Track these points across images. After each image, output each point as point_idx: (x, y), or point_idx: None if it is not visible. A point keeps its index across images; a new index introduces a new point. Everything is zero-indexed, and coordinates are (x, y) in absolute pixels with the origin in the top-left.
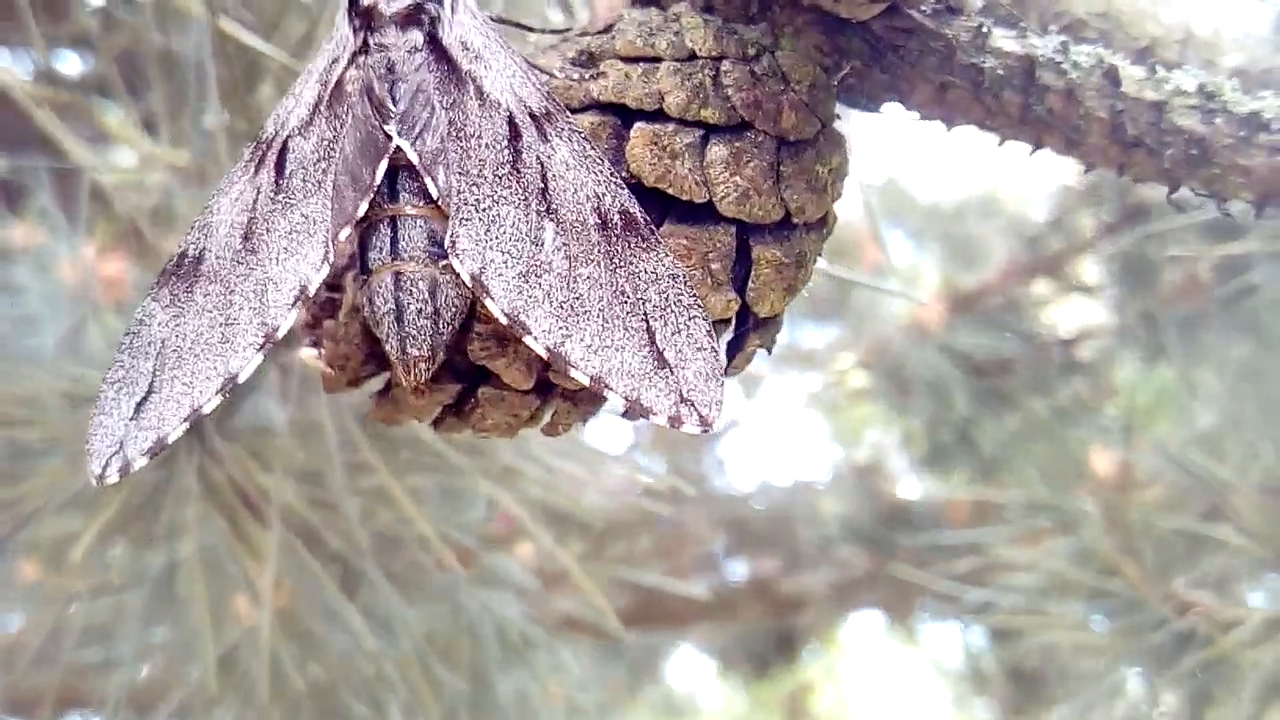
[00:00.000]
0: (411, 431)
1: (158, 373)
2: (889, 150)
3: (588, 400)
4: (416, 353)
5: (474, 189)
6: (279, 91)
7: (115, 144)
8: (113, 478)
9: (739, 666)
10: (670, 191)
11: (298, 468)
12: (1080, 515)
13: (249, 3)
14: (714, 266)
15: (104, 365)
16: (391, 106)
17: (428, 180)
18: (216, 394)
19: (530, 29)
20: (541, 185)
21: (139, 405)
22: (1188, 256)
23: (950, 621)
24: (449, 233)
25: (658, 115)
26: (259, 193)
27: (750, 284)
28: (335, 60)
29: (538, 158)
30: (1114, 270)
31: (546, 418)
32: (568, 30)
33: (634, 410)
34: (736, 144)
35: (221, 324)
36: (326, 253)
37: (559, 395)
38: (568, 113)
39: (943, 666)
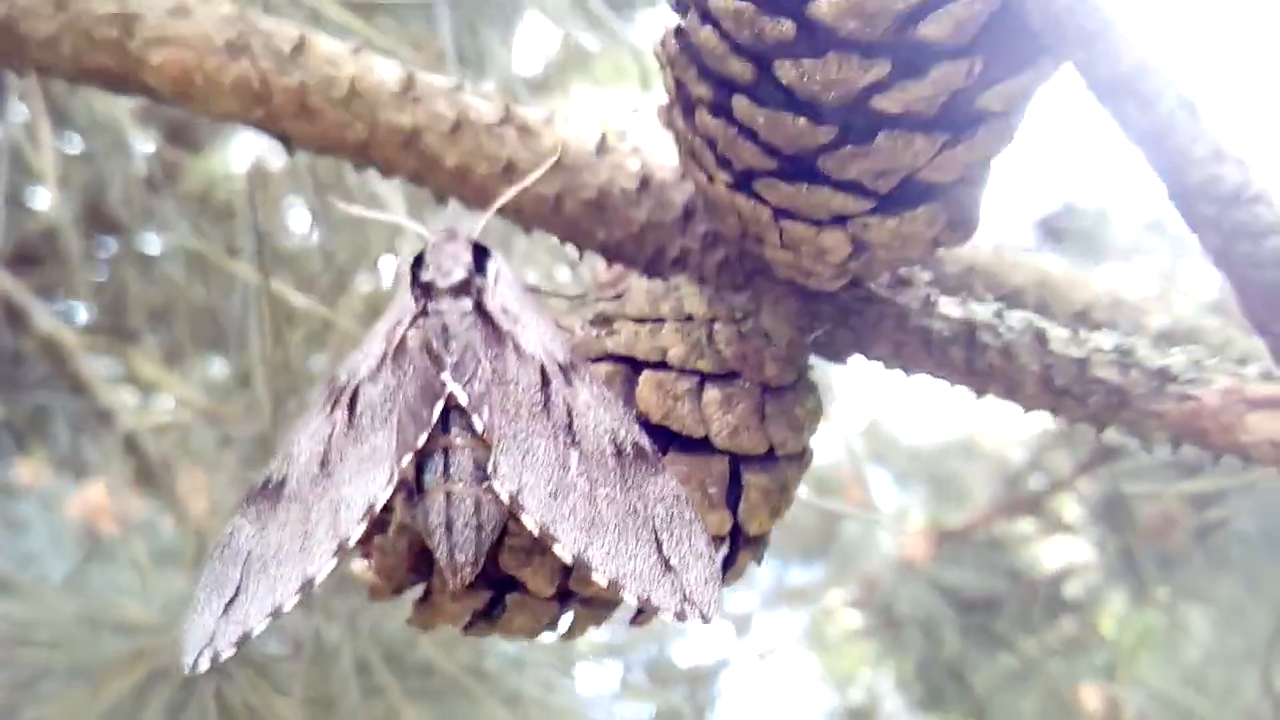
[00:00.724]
0: (425, 658)
1: (244, 578)
2: (873, 396)
3: (601, 607)
4: (463, 558)
5: (512, 425)
6: (309, 338)
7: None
8: (204, 667)
9: None
10: (673, 428)
11: (311, 693)
12: None
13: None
14: (711, 490)
15: (113, 593)
16: (446, 358)
17: (474, 418)
18: (296, 593)
19: (555, 295)
20: (567, 421)
21: (228, 605)
22: (1160, 494)
23: None
24: (491, 460)
25: (662, 365)
26: (334, 428)
27: (741, 505)
28: (399, 322)
29: (564, 399)
30: (1093, 508)
31: (565, 624)
32: (583, 295)
33: (645, 607)
34: (728, 389)
35: (301, 536)
36: (391, 475)
37: (577, 602)
38: (588, 363)
39: None
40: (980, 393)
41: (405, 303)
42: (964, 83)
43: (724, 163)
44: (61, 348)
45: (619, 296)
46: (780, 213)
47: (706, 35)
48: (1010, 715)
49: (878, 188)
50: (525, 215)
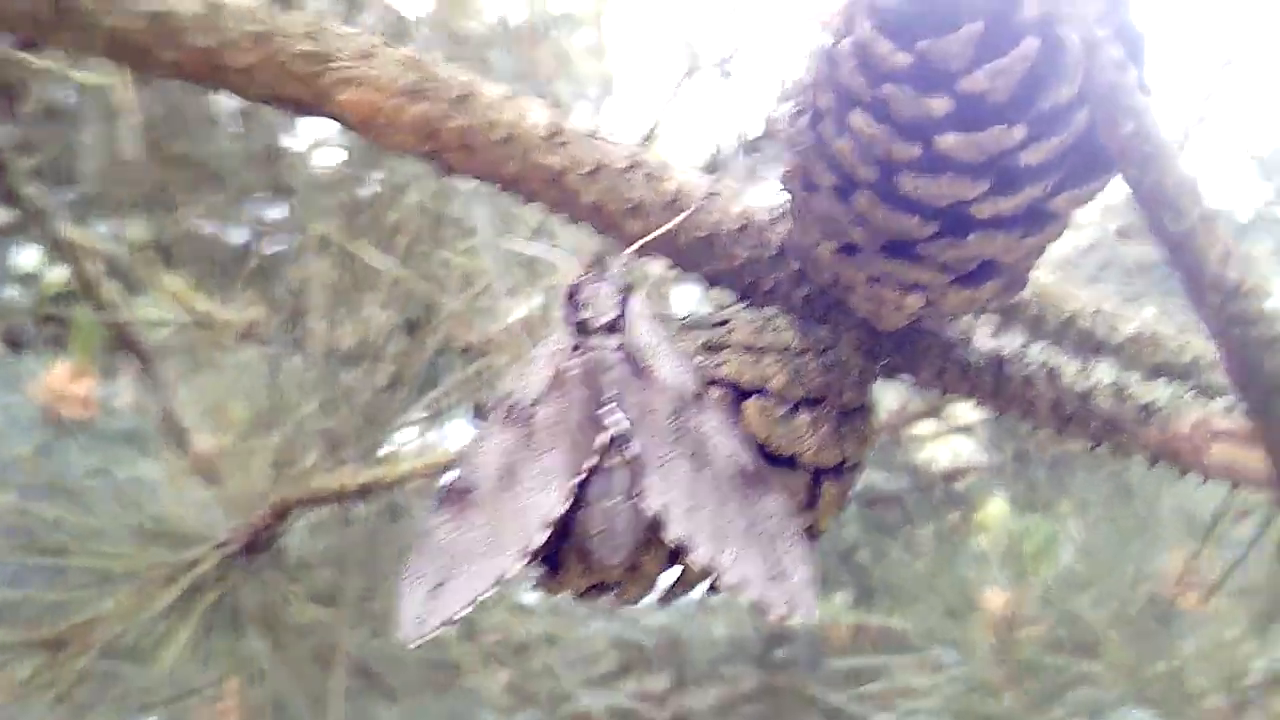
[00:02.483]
0: None
1: (446, 570)
2: None
3: (689, 583)
4: (616, 561)
5: (656, 450)
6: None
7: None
8: (418, 640)
9: None
10: (770, 447)
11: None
12: (973, 646)
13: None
14: (798, 499)
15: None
16: (604, 391)
17: (629, 444)
18: (492, 586)
19: (668, 317)
20: (698, 446)
21: (432, 592)
22: None
23: None
24: (641, 480)
25: (762, 392)
26: (509, 445)
27: (817, 507)
28: (558, 350)
29: (695, 427)
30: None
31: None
32: (688, 317)
33: (759, 607)
34: (814, 413)
35: (491, 538)
36: (567, 494)
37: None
38: (710, 391)
39: None
40: (1001, 412)
41: (561, 333)
42: (1043, 195)
43: (832, 234)
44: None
45: (724, 323)
46: (873, 279)
47: (842, 144)
48: (904, 605)
49: (960, 268)
50: (646, 245)
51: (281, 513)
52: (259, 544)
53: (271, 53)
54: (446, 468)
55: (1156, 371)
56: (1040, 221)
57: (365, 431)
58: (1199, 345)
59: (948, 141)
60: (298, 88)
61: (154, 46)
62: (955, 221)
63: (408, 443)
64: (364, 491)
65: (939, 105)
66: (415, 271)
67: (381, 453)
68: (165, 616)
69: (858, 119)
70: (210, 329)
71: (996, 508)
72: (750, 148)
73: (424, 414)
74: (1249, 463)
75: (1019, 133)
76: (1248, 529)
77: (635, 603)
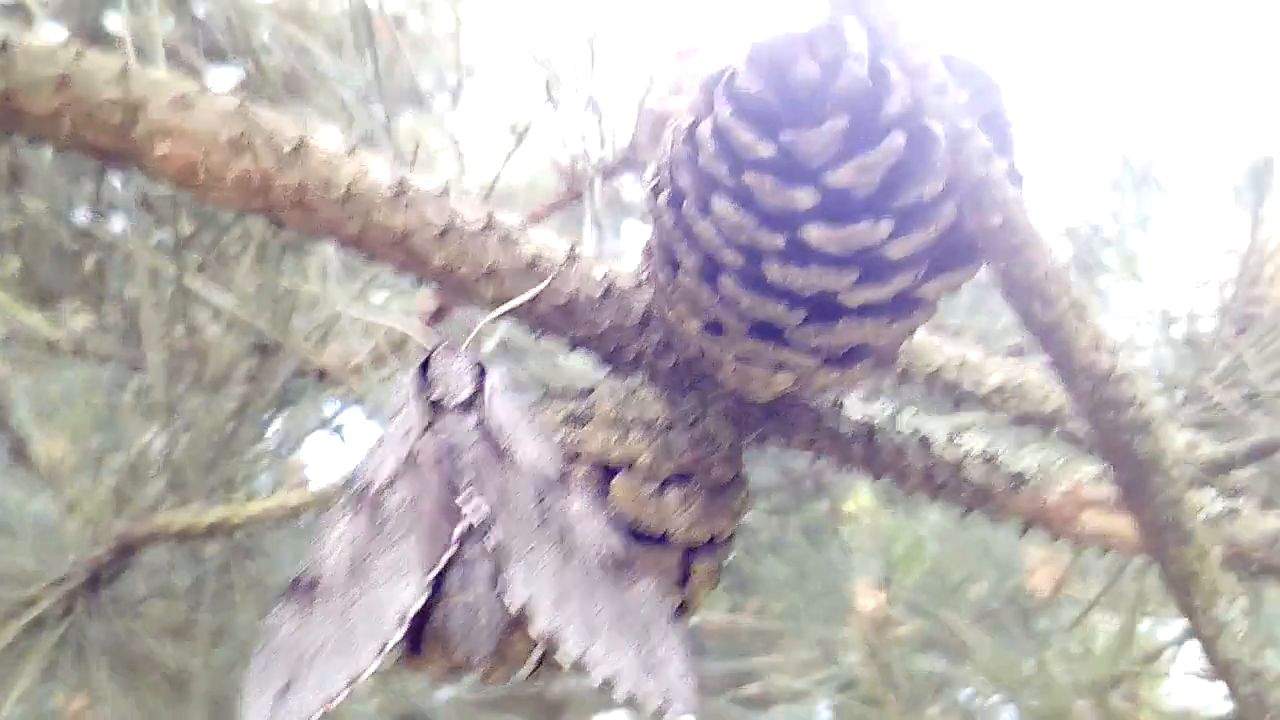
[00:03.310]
0: None
1: (295, 670)
2: None
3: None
4: (478, 658)
5: (518, 539)
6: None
7: None
8: None
9: None
10: (639, 527)
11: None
12: (844, 646)
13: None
14: (668, 579)
15: None
16: (459, 480)
17: (488, 534)
18: (346, 688)
19: (526, 391)
20: (562, 533)
21: (280, 693)
22: None
23: None
24: (502, 575)
25: (631, 469)
26: (358, 534)
27: (688, 585)
28: (408, 432)
29: (559, 511)
30: None
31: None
32: (547, 390)
33: (632, 702)
34: (683, 490)
35: (344, 633)
36: (421, 588)
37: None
38: (574, 473)
39: None
40: (876, 478)
41: (411, 412)
42: (912, 284)
43: (698, 312)
44: None
45: (585, 394)
46: (741, 358)
47: (705, 227)
48: (775, 603)
49: (829, 352)
50: (494, 312)
51: (125, 549)
52: (101, 580)
53: (74, 99)
54: (296, 511)
55: (1021, 420)
56: (909, 308)
57: (213, 462)
58: (1061, 396)
59: (813, 234)
60: (106, 138)
61: None
62: (823, 308)
63: (258, 473)
64: (211, 531)
65: (804, 198)
66: (256, 302)
67: (230, 485)
68: (7, 655)
69: (720, 204)
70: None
71: (863, 499)
72: (610, 172)
73: (274, 443)
74: (1118, 529)
75: (885, 227)
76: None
77: (503, 683)
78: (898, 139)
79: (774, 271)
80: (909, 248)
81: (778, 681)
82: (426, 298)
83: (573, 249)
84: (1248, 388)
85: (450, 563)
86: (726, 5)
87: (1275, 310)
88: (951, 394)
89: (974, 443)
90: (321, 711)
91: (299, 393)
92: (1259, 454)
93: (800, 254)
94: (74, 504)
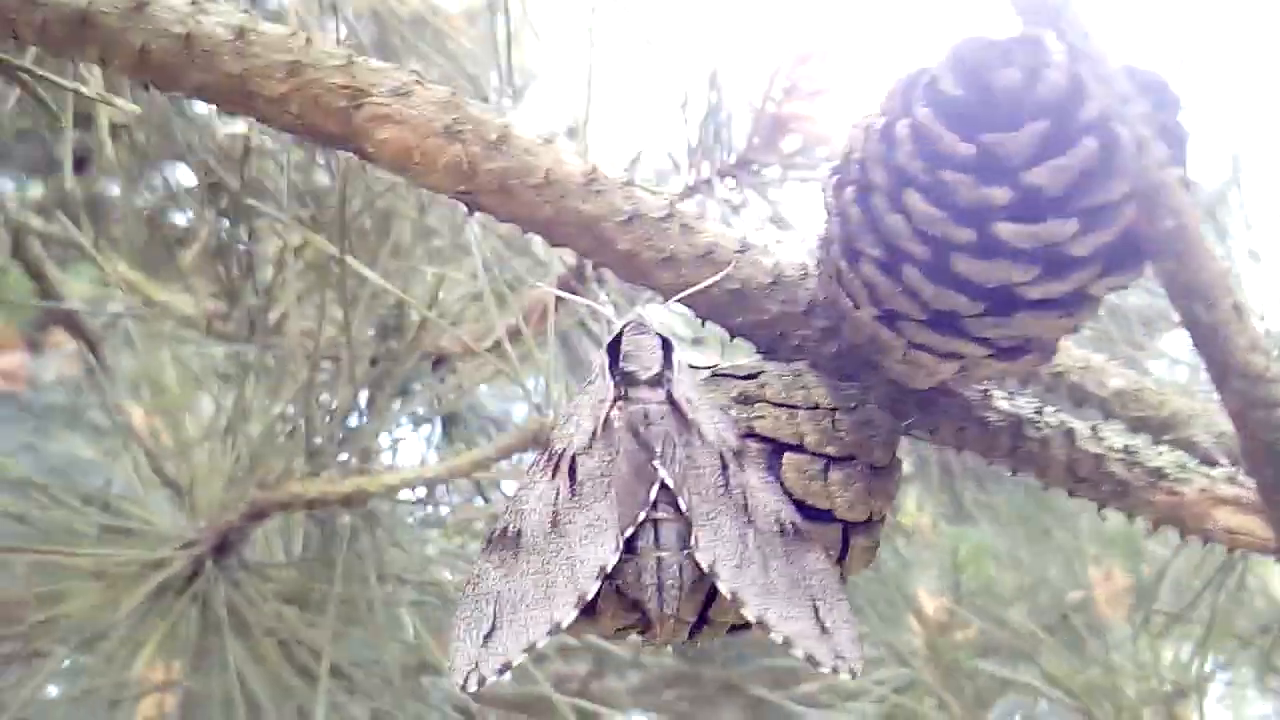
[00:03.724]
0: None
1: (498, 615)
2: None
3: (722, 630)
4: (669, 612)
5: (704, 504)
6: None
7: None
8: (473, 687)
9: None
10: (806, 503)
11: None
12: (909, 650)
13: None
14: (830, 553)
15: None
16: (654, 445)
17: (679, 499)
18: (546, 634)
19: (696, 367)
20: (743, 502)
21: (487, 637)
22: None
23: None
24: (692, 536)
25: (799, 448)
26: (558, 493)
27: (846, 560)
28: (602, 400)
29: (739, 482)
30: None
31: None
32: (714, 367)
33: (808, 661)
34: (846, 470)
35: (544, 585)
36: (618, 545)
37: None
38: (752, 449)
39: None
40: (1016, 471)
41: (604, 384)
42: (1087, 281)
43: (876, 301)
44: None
45: (753, 377)
46: (913, 345)
47: (895, 220)
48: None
49: (1001, 343)
50: (681, 294)
51: (256, 515)
52: (228, 545)
53: (303, 84)
54: (428, 484)
55: (1137, 425)
56: (1080, 303)
57: (342, 438)
58: (1177, 402)
59: (1005, 230)
60: (331, 122)
61: (182, 68)
62: (1002, 301)
63: (383, 450)
64: (345, 501)
65: (1000, 196)
66: (393, 280)
67: (362, 456)
68: (136, 617)
69: (913, 200)
70: (167, 319)
71: (914, 509)
72: (726, 172)
73: (400, 423)
74: (1250, 527)
75: (1072, 226)
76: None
77: (665, 645)
78: (1091, 145)
79: (961, 264)
80: (1090, 246)
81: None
82: (538, 290)
83: (745, 239)
84: None
85: (642, 524)
86: (841, 10)
87: None
88: (1074, 395)
89: (1114, 438)
90: (523, 656)
91: (418, 376)
92: None
93: (987, 248)
94: (208, 469)
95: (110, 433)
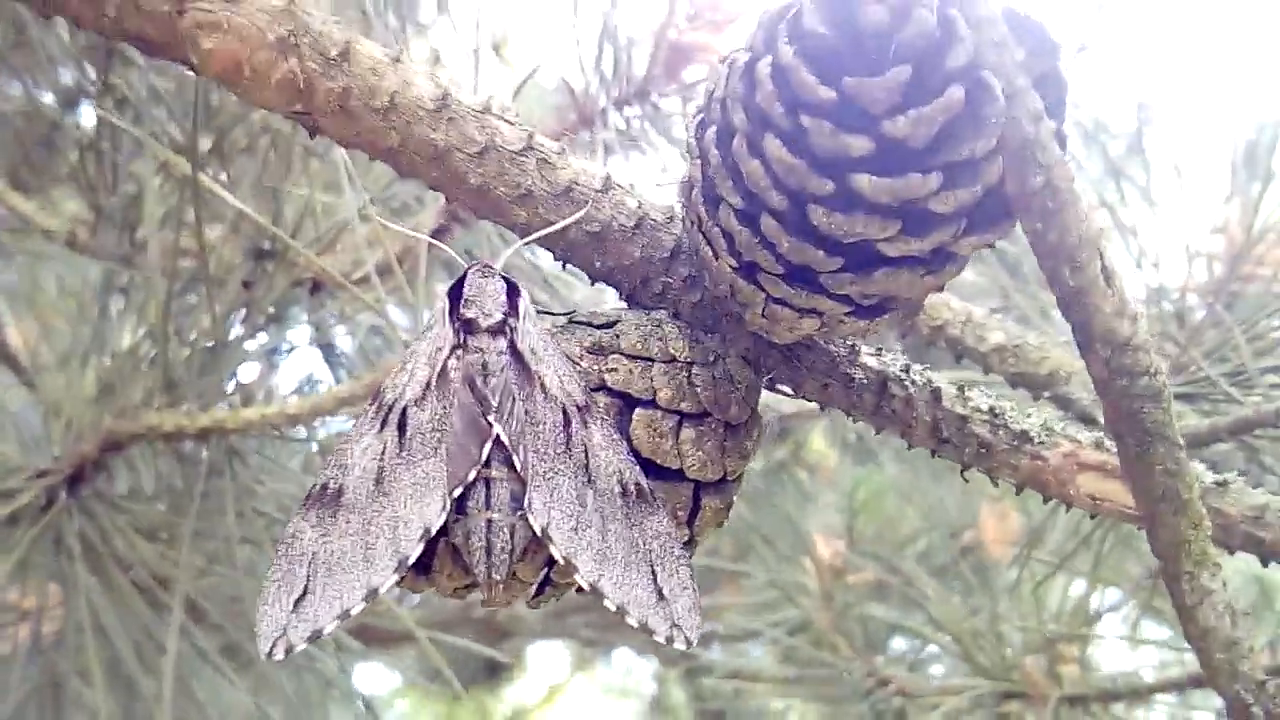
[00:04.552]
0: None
1: (311, 578)
2: None
3: (565, 589)
4: (498, 576)
5: (541, 463)
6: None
7: None
8: (279, 655)
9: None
10: (656, 461)
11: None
12: (801, 590)
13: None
14: (678, 513)
15: None
16: (490, 399)
17: (513, 456)
18: (362, 601)
19: (547, 313)
20: (584, 461)
21: (297, 602)
22: None
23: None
24: (526, 495)
25: (651, 404)
26: (385, 447)
27: (697, 522)
28: (439, 349)
29: (582, 440)
30: None
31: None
32: (571, 313)
33: (642, 630)
34: (700, 428)
35: (363, 547)
36: (444, 505)
37: (550, 585)
38: (597, 403)
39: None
40: (879, 430)
41: (443, 331)
42: (951, 239)
43: (735, 253)
44: None
45: (610, 325)
46: (772, 299)
47: (754, 167)
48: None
49: (861, 300)
50: (532, 236)
51: (111, 446)
52: (84, 476)
53: None
54: (291, 422)
55: (1017, 380)
56: (944, 261)
57: (205, 365)
58: (1057, 358)
59: (863, 183)
60: (150, 27)
61: None
62: (861, 257)
63: (248, 381)
64: (204, 434)
65: (858, 145)
66: (261, 204)
67: (220, 390)
68: None
69: (772, 145)
70: (28, 231)
71: (819, 444)
72: (622, 102)
73: (266, 352)
74: (1111, 493)
75: (934, 181)
76: None
77: (506, 606)
78: (956, 94)
79: (819, 216)
80: (954, 203)
81: (729, 620)
82: (430, 216)
83: (608, 178)
84: (1233, 363)
85: (473, 482)
86: None
87: (1263, 289)
88: (954, 349)
89: (981, 400)
90: (335, 624)
91: (292, 302)
92: (1243, 428)
93: (847, 202)
94: (60, 398)
95: None
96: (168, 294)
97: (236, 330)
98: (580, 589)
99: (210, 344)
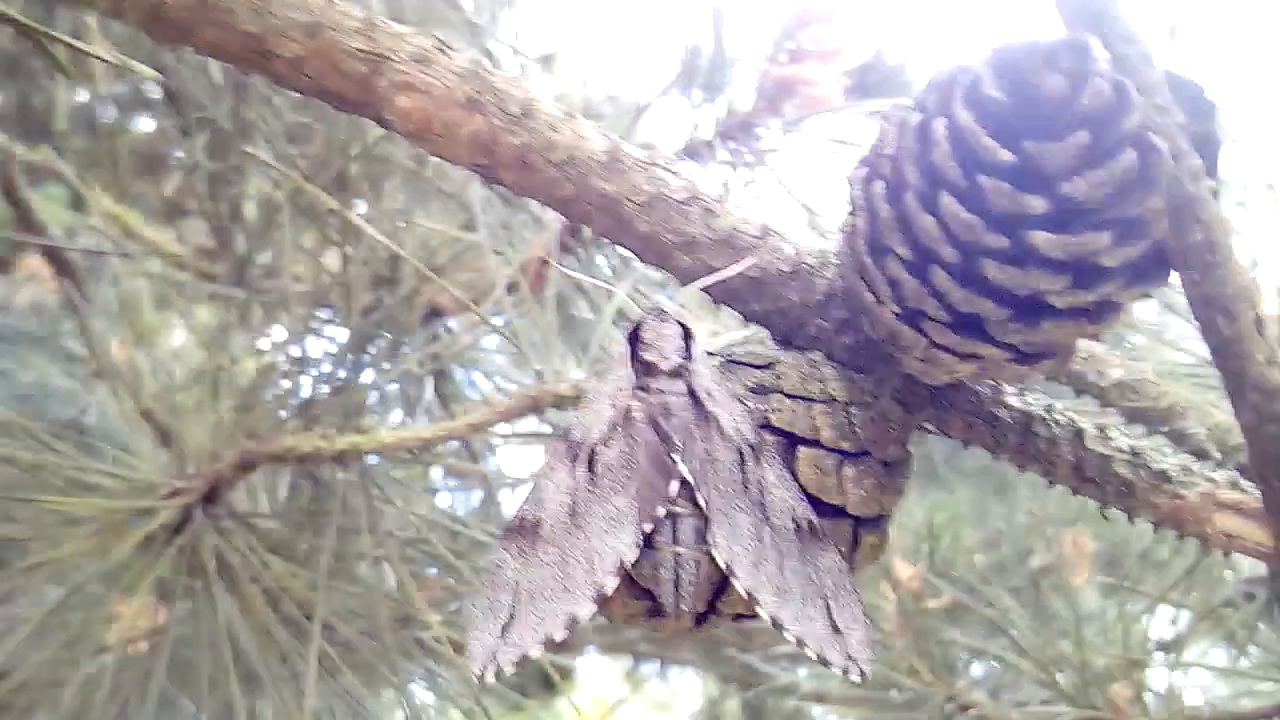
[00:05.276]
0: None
1: (515, 606)
2: None
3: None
4: (686, 608)
5: (721, 500)
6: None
7: None
8: (490, 679)
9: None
10: (820, 498)
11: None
12: (879, 612)
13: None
14: (840, 549)
15: None
16: (674, 438)
17: (697, 494)
18: (564, 629)
19: (710, 353)
20: (760, 499)
21: (504, 627)
22: None
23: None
24: (710, 532)
25: (815, 443)
26: (577, 483)
27: (855, 556)
28: (621, 389)
29: (757, 478)
30: None
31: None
32: (729, 352)
33: (818, 660)
34: (859, 466)
35: (562, 577)
36: (636, 539)
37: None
38: (768, 443)
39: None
40: (1022, 469)
41: (624, 373)
42: (1116, 292)
43: (900, 301)
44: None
45: (770, 366)
46: (934, 344)
47: (927, 221)
48: None
49: (1024, 349)
50: (694, 279)
51: (246, 466)
52: (217, 495)
53: (322, 46)
54: (424, 446)
55: (1134, 415)
56: (1106, 311)
57: (339, 389)
58: (1175, 394)
59: (1039, 239)
60: (348, 87)
61: (197, 25)
62: (1029, 308)
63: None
64: (339, 458)
65: (1037, 205)
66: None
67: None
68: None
69: (948, 203)
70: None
71: None
72: (727, 134)
73: (397, 377)
74: (1248, 533)
75: (1107, 238)
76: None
77: (687, 632)
78: (1130, 156)
79: (992, 270)
80: (1123, 258)
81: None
82: (538, 244)
83: (766, 225)
84: None
85: (661, 519)
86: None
87: None
88: (1075, 383)
89: (1122, 440)
90: (540, 650)
91: (413, 328)
92: None
93: (1019, 256)
94: (195, 414)
95: (86, 363)
96: (304, 322)
97: (365, 354)
98: (740, 617)
99: (342, 369)
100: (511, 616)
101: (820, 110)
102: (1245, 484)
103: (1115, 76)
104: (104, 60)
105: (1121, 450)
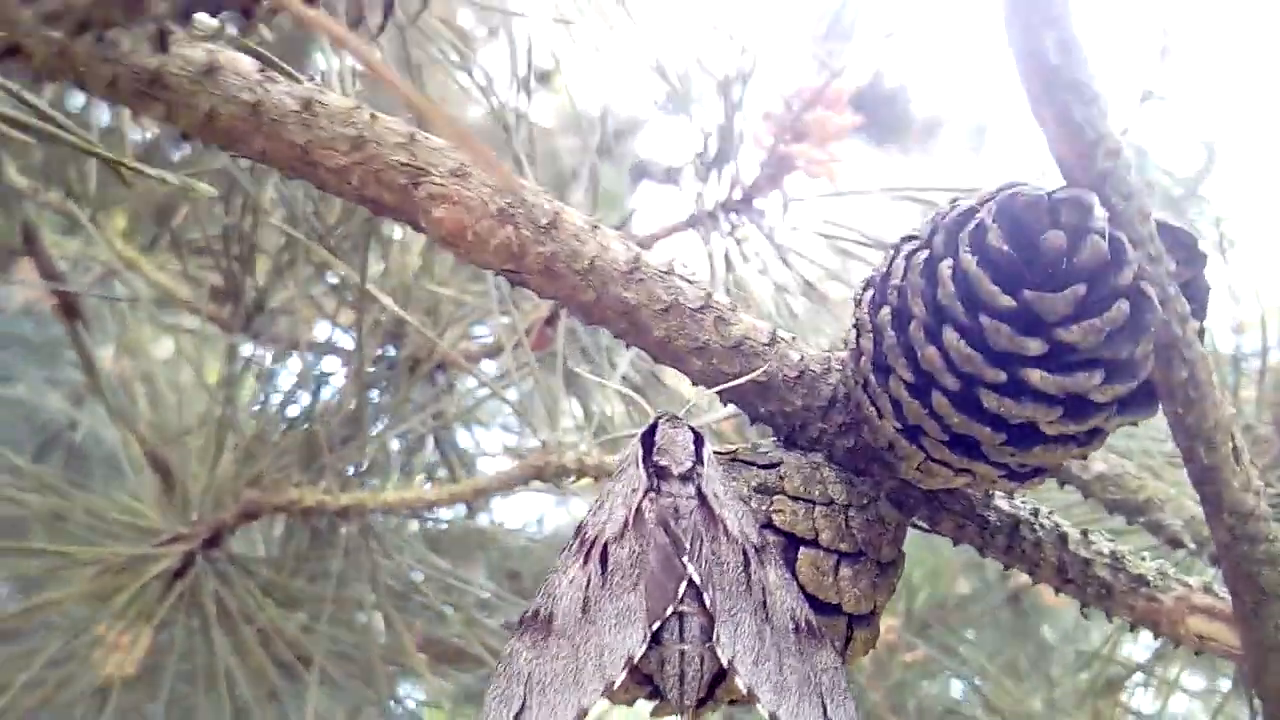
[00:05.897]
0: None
1: (527, 696)
2: None
3: (728, 705)
4: (689, 702)
5: (726, 600)
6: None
7: None
8: None
9: None
10: (818, 596)
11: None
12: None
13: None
14: (834, 644)
15: None
16: (683, 541)
17: (704, 595)
18: (574, 718)
19: (720, 454)
20: (762, 599)
21: (516, 716)
22: None
23: None
24: (715, 631)
25: (814, 543)
26: (589, 579)
27: (848, 651)
28: (634, 490)
29: (759, 580)
30: None
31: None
32: (734, 452)
33: None
34: (856, 566)
35: (573, 670)
36: (645, 636)
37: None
38: (771, 545)
39: None
40: (1007, 567)
41: (637, 474)
42: (1104, 422)
43: (901, 418)
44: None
45: (773, 466)
46: (932, 458)
47: (931, 352)
48: None
49: (1015, 468)
50: (708, 383)
51: (250, 515)
52: (219, 541)
53: (366, 158)
54: (428, 506)
55: (1115, 506)
56: (1093, 437)
57: (343, 442)
58: (1152, 488)
59: (1034, 377)
60: (389, 196)
61: (248, 135)
62: (1023, 434)
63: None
64: (343, 512)
65: (1034, 346)
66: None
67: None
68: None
69: (951, 337)
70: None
71: None
72: (730, 208)
73: (401, 433)
74: (1218, 634)
75: (1098, 377)
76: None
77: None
78: (1124, 307)
79: (990, 400)
80: (1112, 394)
81: None
82: (537, 312)
83: (774, 332)
84: None
85: (669, 617)
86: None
87: None
88: (1059, 475)
89: (1103, 544)
90: None
91: (417, 386)
92: None
93: (1016, 389)
94: (199, 460)
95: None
96: (317, 380)
97: (370, 410)
98: (734, 702)
99: (348, 425)
100: (523, 705)
101: (818, 178)
102: (1217, 589)
103: (1112, 232)
104: (167, 180)
105: (1102, 554)
